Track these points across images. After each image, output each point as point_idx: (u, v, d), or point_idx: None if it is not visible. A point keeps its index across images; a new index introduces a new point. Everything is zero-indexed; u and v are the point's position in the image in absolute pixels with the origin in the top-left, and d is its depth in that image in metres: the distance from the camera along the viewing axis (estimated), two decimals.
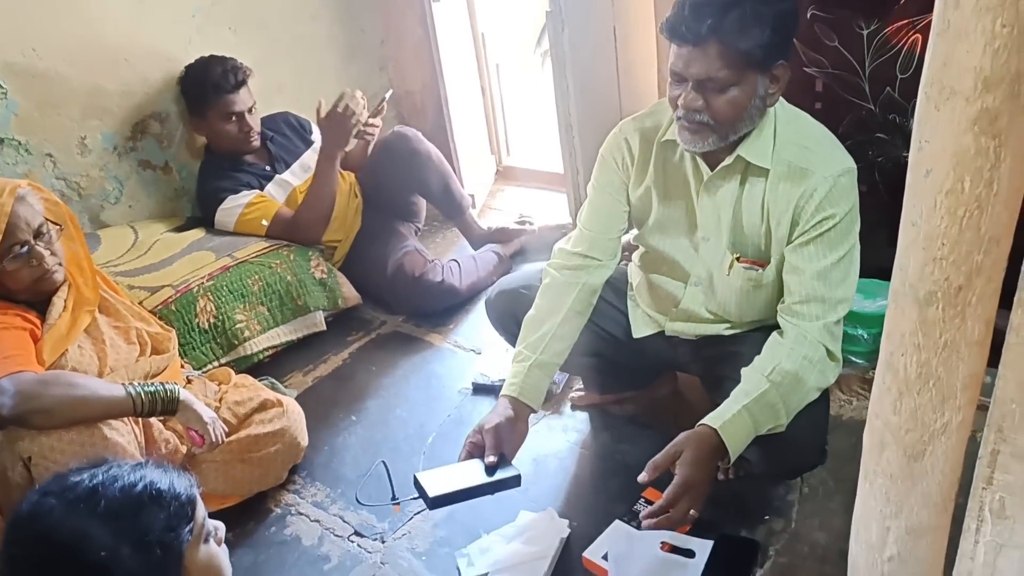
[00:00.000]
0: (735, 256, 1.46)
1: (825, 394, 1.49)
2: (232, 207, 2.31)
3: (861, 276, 1.93)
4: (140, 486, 0.89)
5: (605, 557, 1.47)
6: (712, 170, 1.40)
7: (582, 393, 1.99)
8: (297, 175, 2.45)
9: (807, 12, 1.81)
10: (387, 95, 2.51)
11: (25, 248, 1.54)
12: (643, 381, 1.89)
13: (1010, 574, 0.74)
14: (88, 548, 0.82)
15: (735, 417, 1.31)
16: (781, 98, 1.38)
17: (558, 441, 1.87)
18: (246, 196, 2.32)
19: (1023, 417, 0.67)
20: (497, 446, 1.44)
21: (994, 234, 0.65)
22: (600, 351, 1.72)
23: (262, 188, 2.38)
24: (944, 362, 0.70)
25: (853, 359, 1.87)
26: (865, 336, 1.85)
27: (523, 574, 1.49)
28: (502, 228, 2.69)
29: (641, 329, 1.67)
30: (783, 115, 1.38)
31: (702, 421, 1.33)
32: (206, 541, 0.94)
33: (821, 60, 1.84)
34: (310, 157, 2.51)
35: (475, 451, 1.46)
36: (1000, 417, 0.69)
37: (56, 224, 1.64)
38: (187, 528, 0.91)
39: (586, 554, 1.50)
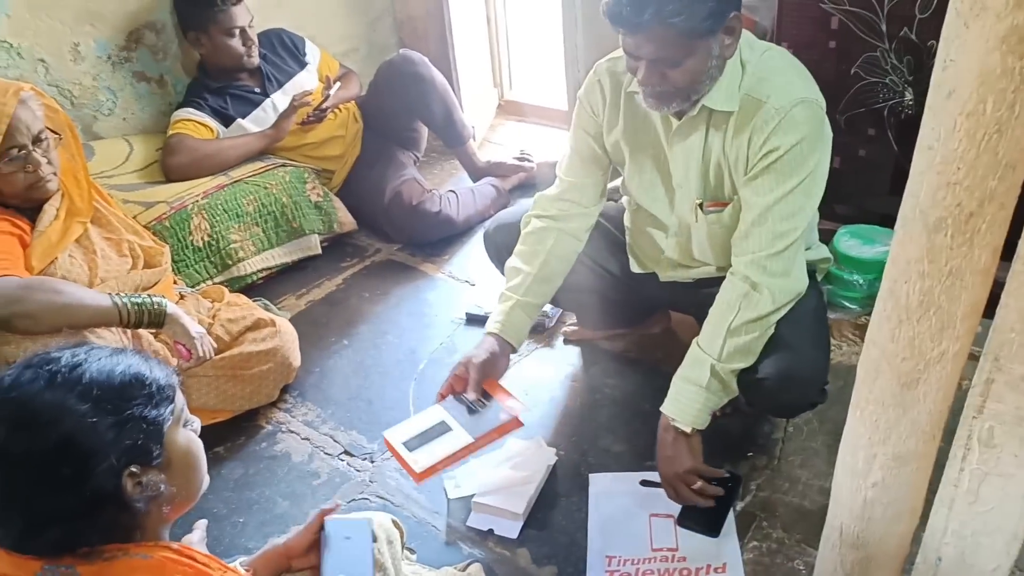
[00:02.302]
0: (698, 201, 1.45)
1: (826, 333, 1.50)
2: (173, 119, 2.25)
3: (860, 221, 1.94)
4: (122, 366, 0.89)
5: (407, 446, 1.42)
6: (679, 120, 1.39)
7: (575, 328, 1.99)
8: (266, 117, 2.37)
9: None
10: (334, 88, 2.46)
11: (23, 152, 1.51)
12: (636, 318, 1.90)
13: (992, 501, 0.75)
14: (68, 417, 0.82)
15: (676, 393, 1.38)
16: (749, 35, 1.36)
17: (549, 373, 1.89)
18: (190, 113, 2.25)
19: (1021, 346, 0.67)
20: (480, 380, 1.46)
21: (1011, 159, 0.64)
22: (596, 287, 1.72)
23: (245, 116, 2.32)
24: (947, 290, 0.70)
25: (847, 304, 1.88)
26: (860, 282, 1.85)
27: (509, 497, 1.52)
28: (501, 162, 2.65)
29: (637, 265, 1.67)
30: (749, 51, 1.35)
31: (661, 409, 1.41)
32: (185, 425, 0.95)
33: None
34: (303, 78, 2.45)
35: (457, 384, 1.48)
36: (998, 345, 0.69)
37: (56, 133, 1.61)
38: (168, 408, 0.91)
39: (386, 433, 1.46)
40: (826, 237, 1.77)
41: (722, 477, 1.43)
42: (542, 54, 3.40)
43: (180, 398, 0.95)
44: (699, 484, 1.39)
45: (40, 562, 0.83)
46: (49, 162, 1.57)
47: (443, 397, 1.49)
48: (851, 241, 1.85)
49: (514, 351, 1.55)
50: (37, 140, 1.54)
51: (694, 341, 1.40)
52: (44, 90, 2.03)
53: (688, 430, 1.37)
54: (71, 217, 1.64)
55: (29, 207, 1.59)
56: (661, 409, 1.40)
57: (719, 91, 1.33)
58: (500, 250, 1.76)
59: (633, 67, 1.30)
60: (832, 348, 1.82)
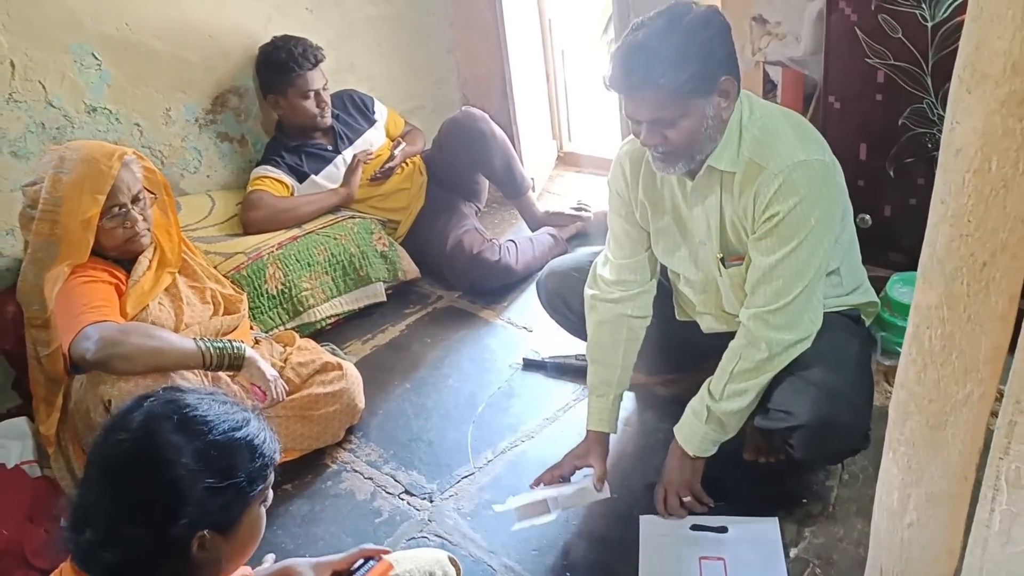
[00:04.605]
0: (719, 256, 1.50)
1: (868, 378, 1.52)
2: (253, 176, 2.42)
3: (913, 268, 1.93)
4: (243, 432, 0.95)
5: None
6: (693, 180, 1.46)
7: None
8: (338, 173, 2.52)
9: (871, 3, 1.80)
10: (399, 148, 2.62)
11: (123, 210, 1.67)
12: (689, 364, 1.93)
13: None
14: (178, 464, 0.89)
15: (684, 421, 1.54)
16: (751, 95, 1.42)
17: None
18: (268, 171, 2.42)
19: None
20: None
21: (1019, 212, 0.68)
22: (648, 332, 1.76)
23: (318, 173, 2.48)
24: (967, 335, 0.74)
25: (900, 350, 1.87)
26: None
27: (540, 493, 1.58)
28: (559, 212, 2.75)
29: (680, 314, 1.72)
30: (749, 114, 1.40)
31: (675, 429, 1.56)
32: (262, 503, 1.01)
33: (884, 51, 1.84)
34: (372, 135, 2.62)
35: (553, 482, 1.62)
36: (1019, 389, 0.72)
37: (152, 193, 1.77)
38: (261, 486, 0.97)
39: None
40: (880, 284, 1.78)
41: (710, 507, 1.57)
42: (598, 107, 3.51)
43: (272, 476, 1.00)
44: (689, 499, 1.55)
45: None
46: (144, 219, 1.72)
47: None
48: (904, 288, 1.85)
49: (614, 433, 1.68)
50: (135, 199, 1.70)
51: (708, 379, 1.51)
52: (138, 151, 2.24)
53: (692, 454, 1.51)
54: (162, 268, 1.79)
55: (125, 259, 1.74)
56: (674, 429, 1.56)
57: (722, 152, 1.39)
58: (552, 297, 1.85)
59: (636, 131, 1.38)
60: (888, 394, 1.82)
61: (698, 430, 1.50)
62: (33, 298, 1.68)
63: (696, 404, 1.51)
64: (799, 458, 1.59)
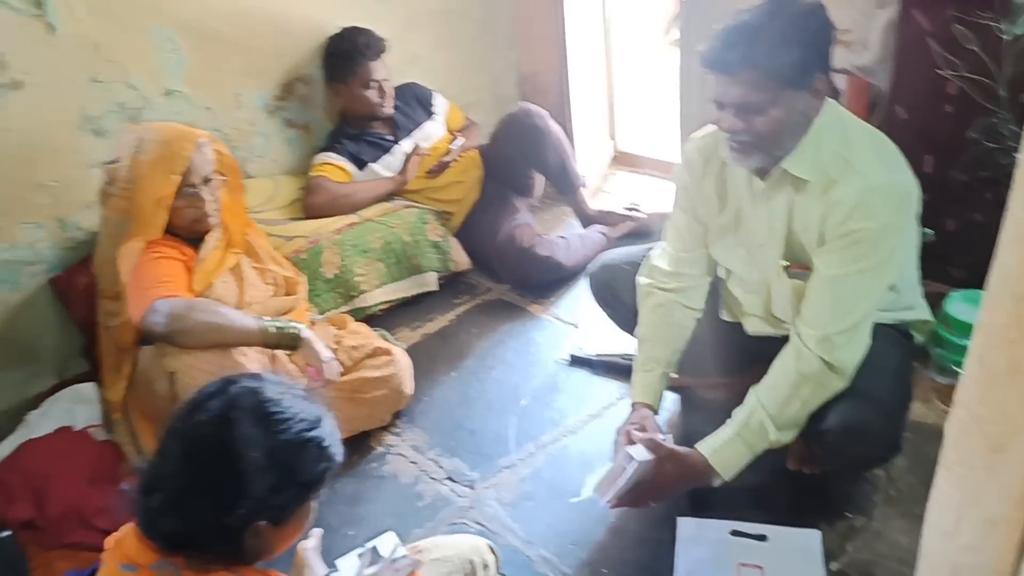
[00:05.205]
0: (785, 264, 1.48)
1: (904, 387, 1.49)
2: (315, 162, 2.48)
3: (973, 286, 1.90)
4: (315, 432, 0.97)
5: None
6: (763, 180, 1.44)
7: (675, 376, 2.03)
8: (395, 162, 2.57)
9: (946, 13, 1.77)
10: (457, 143, 2.66)
11: (193, 190, 1.74)
12: (736, 368, 1.92)
13: None
14: (250, 455, 0.92)
15: (725, 444, 1.43)
16: (837, 105, 1.40)
17: None
18: (330, 157, 2.48)
19: None
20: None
21: None
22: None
23: (376, 160, 2.53)
24: None
25: (957, 369, 1.84)
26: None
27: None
28: (611, 211, 2.75)
29: (727, 314, 1.71)
30: (833, 124, 1.38)
31: (697, 444, 1.46)
32: (316, 499, 1.04)
33: (956, 63, 1.80)
34: (431, 127, 2.66)
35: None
36: None
37: (222, 176, 1.83)
38: (319, 490, 1.00)
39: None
40: (937, 300, 1.75)
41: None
42: (656, 107, 3.49)
43: (330, 478, 1.02)
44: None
45: (157, 555, 0.93)
46: (214, 200, 1.79)
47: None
48: (962, 305, 1.82)
49: (656, 411, 1.65)
50: (206, 181, 1.76)
51: (755, 398, 1.44)
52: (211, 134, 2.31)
53: (726, 479, 1.43)
54: (228, 248, 1.85)
55: (194, 237, 1.81)
56: (704, 452, 1.44)
57: (799, 156, 1.37)
58: (602, 288, 1.87)
59: (719, 117, 1.37)
60: (941, 412, 1.79)
61: (743, 458, 1.43)
62: (107, 270, 1.77)
63: (748, 434, 1.42)
64: (825, 462, 1.58)
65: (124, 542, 0.96)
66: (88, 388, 1.94)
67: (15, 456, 1.76)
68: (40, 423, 1.85)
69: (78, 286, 2.01)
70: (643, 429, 1.55)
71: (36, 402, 1.98)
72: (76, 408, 1.89)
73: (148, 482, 0.95)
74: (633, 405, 1.63)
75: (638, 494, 1.47)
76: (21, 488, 1.67)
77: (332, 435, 1.01)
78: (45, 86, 2.01)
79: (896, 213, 1.34)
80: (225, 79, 2.38)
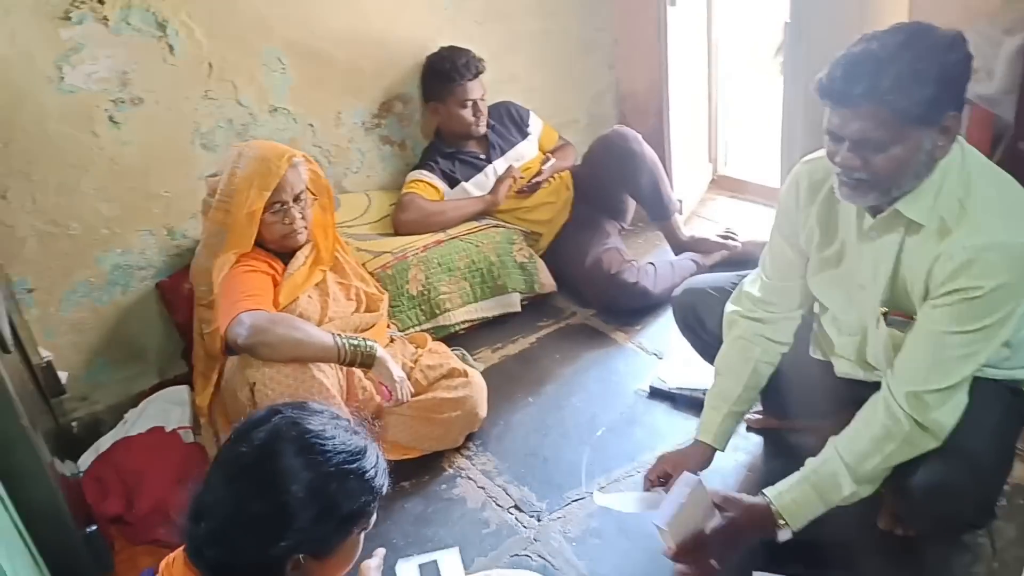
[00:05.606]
0: (884, 310, 1.37)
1: (1005, 448, 1.36)
2: (408, 179, 2.52)
3: None
4: (358, 463, 0.98)
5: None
6: (874, 218, 1.32)
7: (759, 416, 1.93)
8: (487, 181, 2.58)
9: None
10: (548, 164, 2.64)
11: (284, 207, 1.81)
12: (826, 410, 1.80)
13: None
14: (289, 492, 0.92)
15: (791, 487, 1.36)
16: (965, 143, 1.27)
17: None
18: (423, 175, 2.51)
19: None
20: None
21: None
22: (779, 367, 1.67)
23: (468, 179, 2.56)
24: None
25: None
26: None
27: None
28: (704, 239, 2.66)
29: (817, 351, 1.62)
30: (960, 164, 1.25)
31: (764, 490, 1.38)
32: (362, 531, 1.03)
33: None
34: (524, 147, 2.66)
35: (657, 483, 1.58)
36: None
37: (314, 195, 1.90)
38: (364, 521, 1.00)
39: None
40: None
41: None
42: (759, 131, 3.36)
43: (376, 510, 1.02)
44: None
45: None
46: (303, 217, 1.85)
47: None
48: None
49: (720, 450, 1.61)
50: (297, 198, 1.83)
51: (833, 448, 1.35)
52: (309, 149, 2.41)
53: (785, 534, 1.36)
54: (315, 265, 1.92)
55: (285, 252, 1.88)
56: (768, 495, 1.37)
57: (917, 197, 1.26)
58: (686, 314, 1.81)
59: (833, 151, 1.26)
60: None
61: (812, 507, 1.34)
62: (202, 279, 1.86)
63: (818, 481, 1.35)
64: (911, 521, 1.46)
65: (172, 566, 0.99)
66: (182, 391, 2.05)
67: (111, 452, 1.88)
68: (137, 421, 1.97)
69: (181, 291, 2.14)
70: (668, 474, 1.54)
71: (136, 400, 2.11)
72: (171, 409, 2.00)
73: (195, 509, 0.98)
74: (695, 441, 1.58)
75: (697, 546, 1.40)
76: (114, 484, 1.78)
77: (376, 466, 1.00)
78: (163, 103, 2.16)
79: (1015, 274, 1.21)
80: (327, 97, 2.48)
